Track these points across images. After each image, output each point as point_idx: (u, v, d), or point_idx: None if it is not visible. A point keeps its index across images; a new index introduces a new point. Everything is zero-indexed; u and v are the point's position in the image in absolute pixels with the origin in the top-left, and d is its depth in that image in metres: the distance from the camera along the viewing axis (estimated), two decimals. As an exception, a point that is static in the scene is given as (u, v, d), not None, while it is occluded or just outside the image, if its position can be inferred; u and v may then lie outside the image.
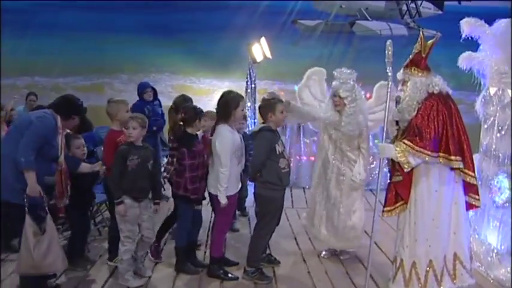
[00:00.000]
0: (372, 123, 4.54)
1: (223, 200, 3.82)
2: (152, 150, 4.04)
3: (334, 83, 4.26)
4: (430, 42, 3.58)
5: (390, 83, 3.57)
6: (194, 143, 3.98)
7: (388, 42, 3.59)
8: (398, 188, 3.63)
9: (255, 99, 7.98)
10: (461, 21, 4.17)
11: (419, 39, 3.59)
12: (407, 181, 3.58)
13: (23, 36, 9.03)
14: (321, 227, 4.49)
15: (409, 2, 9.88)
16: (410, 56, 3.61)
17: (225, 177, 3.76)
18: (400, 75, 3.65)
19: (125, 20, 9.03)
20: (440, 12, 9.73)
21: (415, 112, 3.53)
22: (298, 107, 4.43)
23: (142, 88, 6.20)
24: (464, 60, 4.27)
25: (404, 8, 9.93)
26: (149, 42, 9.10)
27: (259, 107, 4.13)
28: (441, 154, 3.47)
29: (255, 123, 8.00)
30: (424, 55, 3.57)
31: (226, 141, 3.75)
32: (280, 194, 4.05)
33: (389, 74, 3.57)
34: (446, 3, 9.86)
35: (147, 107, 6.07)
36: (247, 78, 7.92)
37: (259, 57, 7.67)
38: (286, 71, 9.26)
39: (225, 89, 8.15)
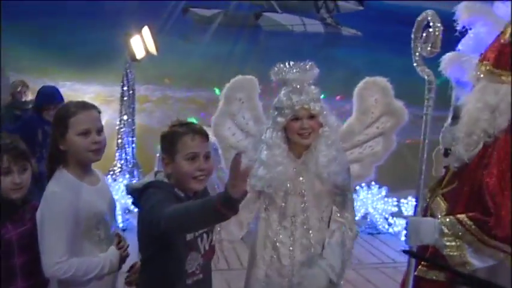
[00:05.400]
0: (357, 167, 3.22)
1: None
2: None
3: (283, 93, 2.84)
4: None
5: (429, 94, 2.66)
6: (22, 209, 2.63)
7: (430, 12, 2.67)
8: None
9: (133, 111, 7.85)
10: (459, 6, 2.87)
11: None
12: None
13: None
14: None
15: (325, -8, 10.46)
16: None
17: (66, 271, 2.44)
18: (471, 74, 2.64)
19: None
20: (361, 8, 10.50)
21: (475, 150, 2.46)
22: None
23: (45, 98, 5.35)
24: (451, 63, 2.90)
25: (321, 0, 10.53)
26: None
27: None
28: None
29: (133, 150, 7.80)
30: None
31: (56, 203, 2.48)
32: None
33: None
34: (368, -2, 10.62)
35: (44, 129, 5.11)
36: (122, 81, 7.81)
37: (139, 53, 7.60)
38: (174, 74, 9.27)
39: (92, 95, 8.06)
